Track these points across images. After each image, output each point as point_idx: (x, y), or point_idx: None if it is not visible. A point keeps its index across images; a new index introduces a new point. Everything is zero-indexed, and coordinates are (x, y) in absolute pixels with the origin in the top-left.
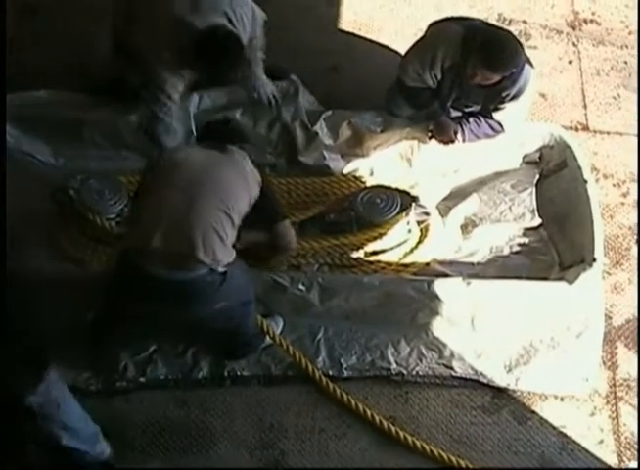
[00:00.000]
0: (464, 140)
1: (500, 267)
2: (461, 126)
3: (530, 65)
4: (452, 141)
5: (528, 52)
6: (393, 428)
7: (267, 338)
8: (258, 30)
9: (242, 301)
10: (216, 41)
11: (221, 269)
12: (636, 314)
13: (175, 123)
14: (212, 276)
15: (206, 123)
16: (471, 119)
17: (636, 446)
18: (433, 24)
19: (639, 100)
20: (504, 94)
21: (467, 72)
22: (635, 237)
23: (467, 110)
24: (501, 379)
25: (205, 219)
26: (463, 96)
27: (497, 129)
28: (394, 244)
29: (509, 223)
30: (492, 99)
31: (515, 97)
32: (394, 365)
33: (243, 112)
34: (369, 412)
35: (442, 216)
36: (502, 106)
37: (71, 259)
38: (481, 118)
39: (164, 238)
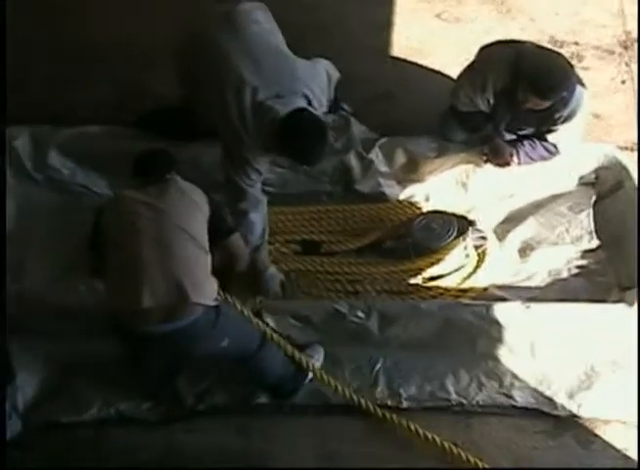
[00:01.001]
0: (519, 163)
1: (559, 290)
2: (516, 149)
3: (582, 86)
4: (508, 164)
5: (581, 73)
6: (455, 450)
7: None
8: (332, 89)
9: (245, 337)
10: (299, 126)
11: (212, 303)
12: None
13: (260, 197)
14: (207, 315)
15: (137, 157)
16: (525, 142)
17: None
18: (483, 49)
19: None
20: (556, 116)
21: (518, 98)
22: None
23: (521, 132)
24: (563, 407)
25: (186, 262)
26: (516, 119)
27: (552, 151)
28: (452, 269)
29: (566, 246)
30: (545, 122)
31: (567, 119)
32: (454, 395)
33: None
34: (429, 435)
35: (499, 240)
36: (555, 128)
37: None
38: (536, 141)
39: (153, 295)
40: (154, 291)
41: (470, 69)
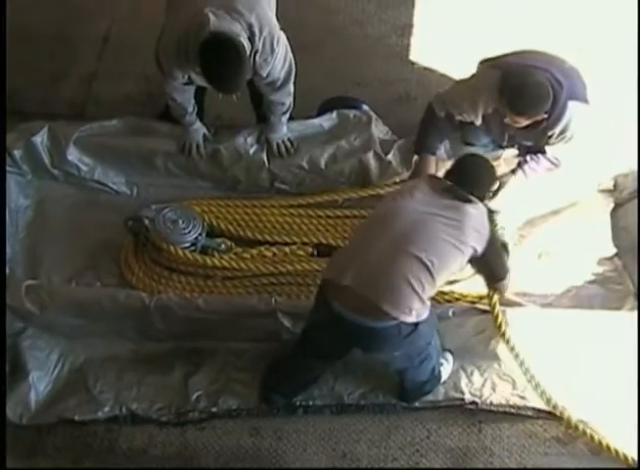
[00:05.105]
0: (526, 177)
1: (574, 297)
2: (520, 165)
3: (585, 102)
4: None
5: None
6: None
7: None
8: (289, 86)
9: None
10: (219, 48)
11: (411, 321)
12: None
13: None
14: (399, 328)
15: (460, 161)
16: (529, 158)
17: None
18: (482, 63)
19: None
20: (549, 133)
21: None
22: None
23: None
24: (575, 413)
25: (400, 271)
26: (511, 136)
27: (555, 163)
28: (468, 274)
29: (583, 253)
30: (540, 138)
31: (561, 135)
32: (468, 395)
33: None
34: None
35: (516, 246)
36: (554, 142)
37: (144, 289)
38: (539, 155)
39: (355, 279)
40: (357, 277)
41: (461, 89)
